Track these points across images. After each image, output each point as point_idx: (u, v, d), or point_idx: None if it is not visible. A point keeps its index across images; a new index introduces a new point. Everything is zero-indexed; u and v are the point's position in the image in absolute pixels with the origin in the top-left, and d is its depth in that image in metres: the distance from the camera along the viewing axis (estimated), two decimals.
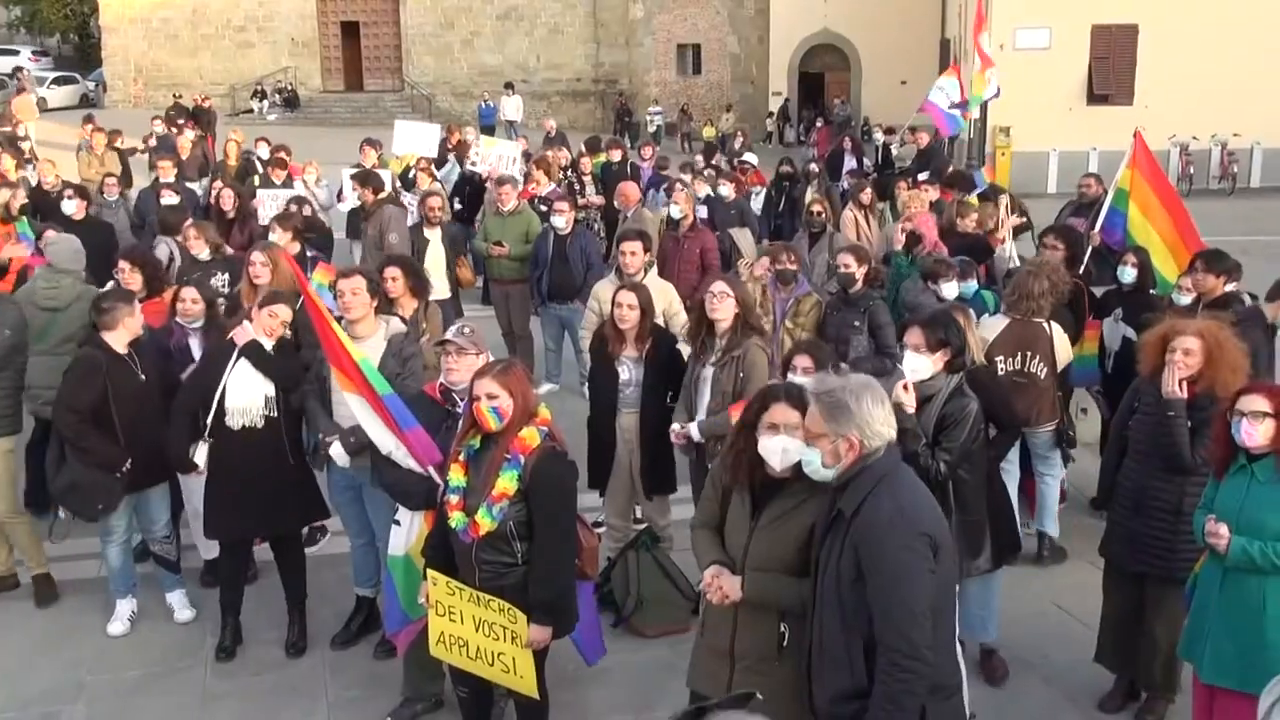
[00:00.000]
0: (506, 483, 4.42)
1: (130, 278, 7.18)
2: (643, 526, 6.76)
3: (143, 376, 6.18)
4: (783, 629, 3.96)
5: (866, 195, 11.43)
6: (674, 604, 6.32)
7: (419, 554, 4.94)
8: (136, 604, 6.48)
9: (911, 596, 3.40)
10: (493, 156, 14.68)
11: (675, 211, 10.12)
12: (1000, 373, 6.69)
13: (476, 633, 4.55)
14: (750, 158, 16.55)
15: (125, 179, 14.93)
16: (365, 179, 11.45)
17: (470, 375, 4.67)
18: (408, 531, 5.15)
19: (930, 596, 3.47)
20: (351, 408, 5.41)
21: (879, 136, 19.60)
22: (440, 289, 10.01)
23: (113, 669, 6.00)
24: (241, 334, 5.95)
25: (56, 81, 39.08)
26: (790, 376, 5.54)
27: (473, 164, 14.87)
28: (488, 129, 26.56)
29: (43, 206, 12.46)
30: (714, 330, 6.24)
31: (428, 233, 10.54)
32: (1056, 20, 24.29)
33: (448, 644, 4.66)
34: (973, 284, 7.99)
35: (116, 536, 6.34)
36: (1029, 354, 6.84)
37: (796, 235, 10.61)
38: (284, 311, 6.06)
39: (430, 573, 4.66)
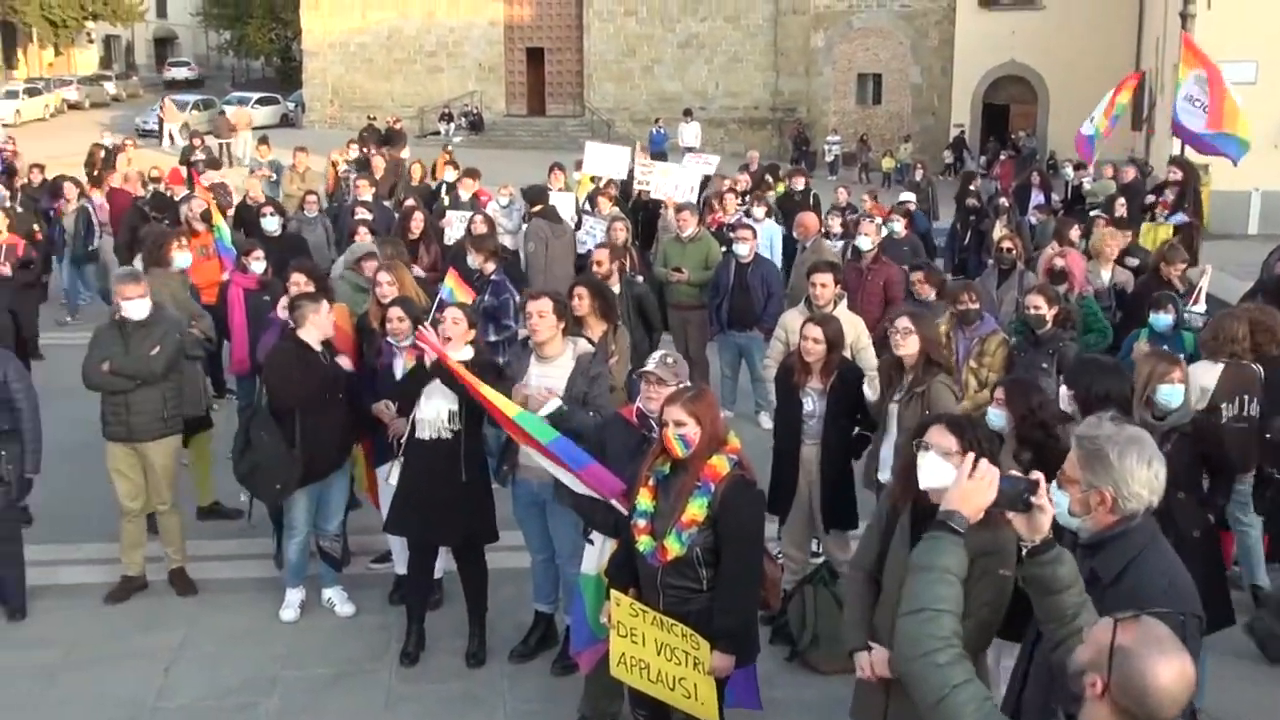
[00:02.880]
0: (696, 509, 4.43)
1: (306, 289, 7.28)
2: (821, 560, 6.68)
3: (328, 366, 6.54)
4: None
5: (1076, 232, 10.94)
6: None
7: None
8: (305, 594, 6.84)
9: None
10: (669, 185, 14.49)
11: (864, 243, 9.99)
12: (1224, 420, 6.53)
13: (658, 656, 4.55)
14: (907, 196, 15.83)
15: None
16: (528, 194, 11.64)
17: None
18: (600, 551, 5.18)
19: None
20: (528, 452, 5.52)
21: (1068, 171, 18.85)
22: None
23: (304, 665, 6.25)
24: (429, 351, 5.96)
25: (260, 102, 41.51)
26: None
27: (644, 184, 14.81)
28: (658, 155, 26.46)
29: (246, 220, 13.21)
30: (903, 366, 6.16)
31: None
32: (1264, 53, 23.05)
33: (628, 665, 4.67)
34: (1168, 318, 7.65)
35: (298, 534, 6.69)
36: (1246, 398, 6.61)
37: (985, 271, 10.36)
38: (455, 313, 6.15)
39: (614, 593, 4.69)
